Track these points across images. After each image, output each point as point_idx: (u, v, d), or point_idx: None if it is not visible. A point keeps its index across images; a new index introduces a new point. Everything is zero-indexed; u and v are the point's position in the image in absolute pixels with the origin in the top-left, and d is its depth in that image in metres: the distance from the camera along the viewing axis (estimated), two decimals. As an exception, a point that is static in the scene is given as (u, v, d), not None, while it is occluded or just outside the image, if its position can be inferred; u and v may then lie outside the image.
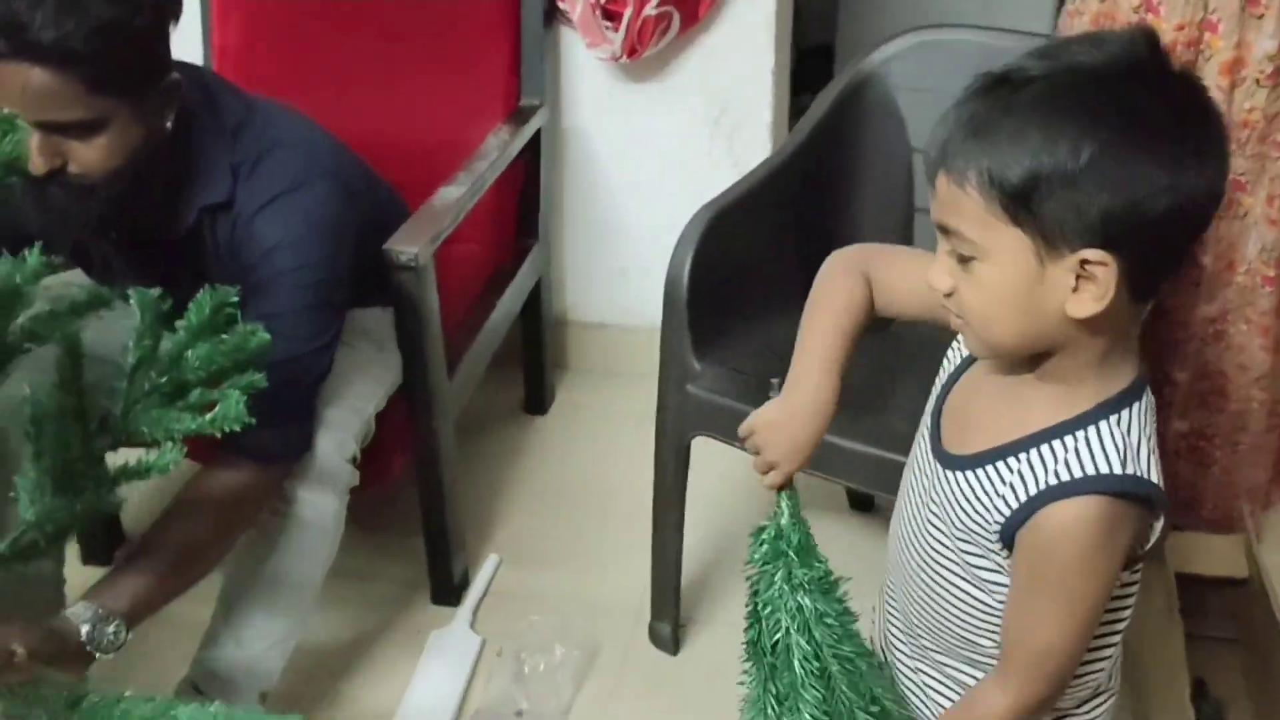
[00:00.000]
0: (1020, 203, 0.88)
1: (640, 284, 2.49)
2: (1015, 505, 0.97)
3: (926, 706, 1.17)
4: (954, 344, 1.13)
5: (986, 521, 1.00)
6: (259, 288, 1.44)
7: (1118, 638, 1.09)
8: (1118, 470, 0.93)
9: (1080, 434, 0.95)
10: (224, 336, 1.30)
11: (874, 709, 1.09)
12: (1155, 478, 0.95)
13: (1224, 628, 1.85)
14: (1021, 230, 0.89)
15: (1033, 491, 0.96)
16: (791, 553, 1.11)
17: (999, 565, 1.03)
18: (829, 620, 1.10)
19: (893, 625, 1.20)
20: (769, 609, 1.12)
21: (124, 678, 1.38)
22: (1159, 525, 0.97)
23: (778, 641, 1.10)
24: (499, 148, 2.01)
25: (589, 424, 2.43)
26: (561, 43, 2.27)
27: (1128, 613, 1.08)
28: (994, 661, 1.08)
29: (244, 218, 1.48)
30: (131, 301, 1.26)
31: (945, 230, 0.94)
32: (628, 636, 1.90)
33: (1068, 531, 0.94)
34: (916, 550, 1.10)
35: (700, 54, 2.24)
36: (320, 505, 1.57)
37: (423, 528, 1.92)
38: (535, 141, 2.18)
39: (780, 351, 1.78)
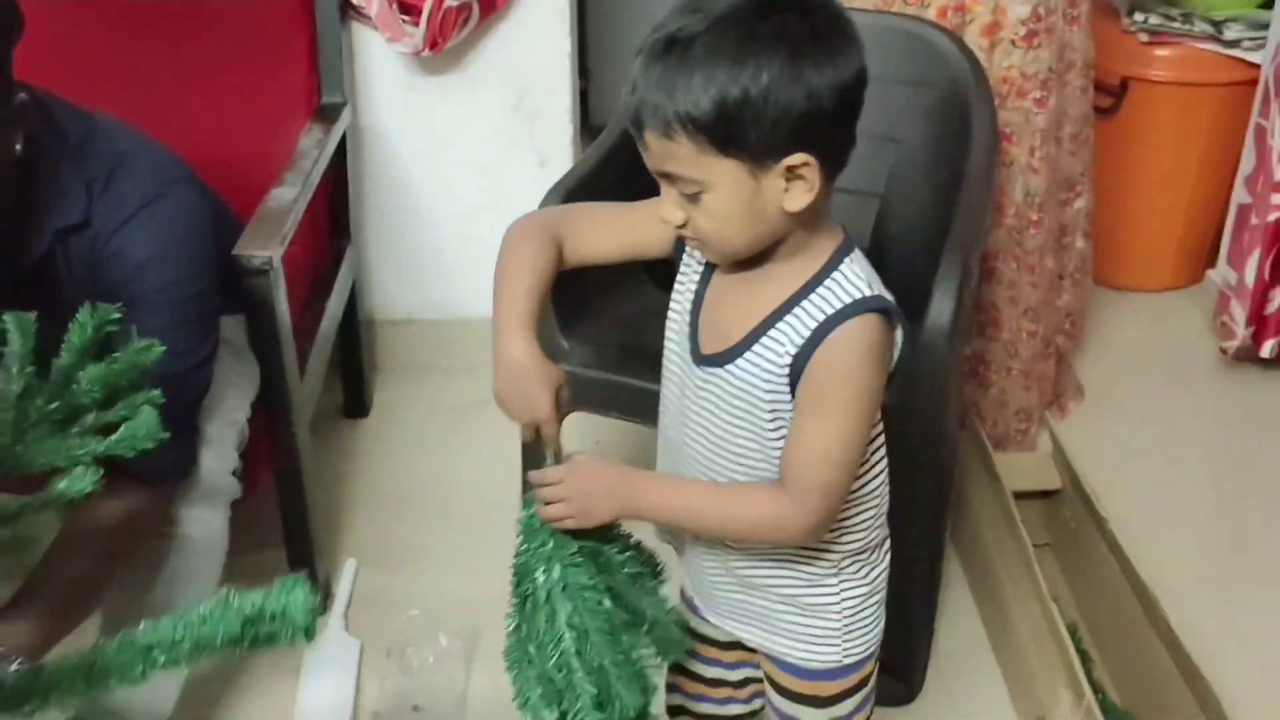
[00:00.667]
0: (724, 136, 1.02)
1: (446, 277, 2.49)
2: (801, 342, 1.10)
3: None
4: (682, 268, 1.23)
5: (779, 374, 1.11)
6: (132, 306, 1.36)
7: (885, 475, 1.23)
8: (869, 293, 1.11)
9: (829, 281, 1.11)
10: (115, 355, 1.24)
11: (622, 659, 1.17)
12: (890, 298, 1.13)
13: (1038, 535, 2.06)
14: (732, 159, 1.03)
15: (815, 325, 1.10)
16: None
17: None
18: (585, 587, 1.19)
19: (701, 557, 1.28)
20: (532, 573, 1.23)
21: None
22: (899, 339, 1.14)
23: (537, 598, 1.22)
24: (316, 147, 1.97)
25: (412, 423, 2.42)
26: (356, 38, 2.24)
27: (883, 452, 1.22)
28: None
29: (104, 235, 1.40)
30: (8, 326, 1.19)
31: (666, 176, 1.07)
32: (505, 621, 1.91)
33: (850, 345, 1.09)
34: (720, 466, 1.19)
35: (498, 42, 2.27)
36: (207, 522, 1.52)
37: (284, 537, 1.87)
38: (341, 139, 2.15)
39: (635, 322, 1.84)
